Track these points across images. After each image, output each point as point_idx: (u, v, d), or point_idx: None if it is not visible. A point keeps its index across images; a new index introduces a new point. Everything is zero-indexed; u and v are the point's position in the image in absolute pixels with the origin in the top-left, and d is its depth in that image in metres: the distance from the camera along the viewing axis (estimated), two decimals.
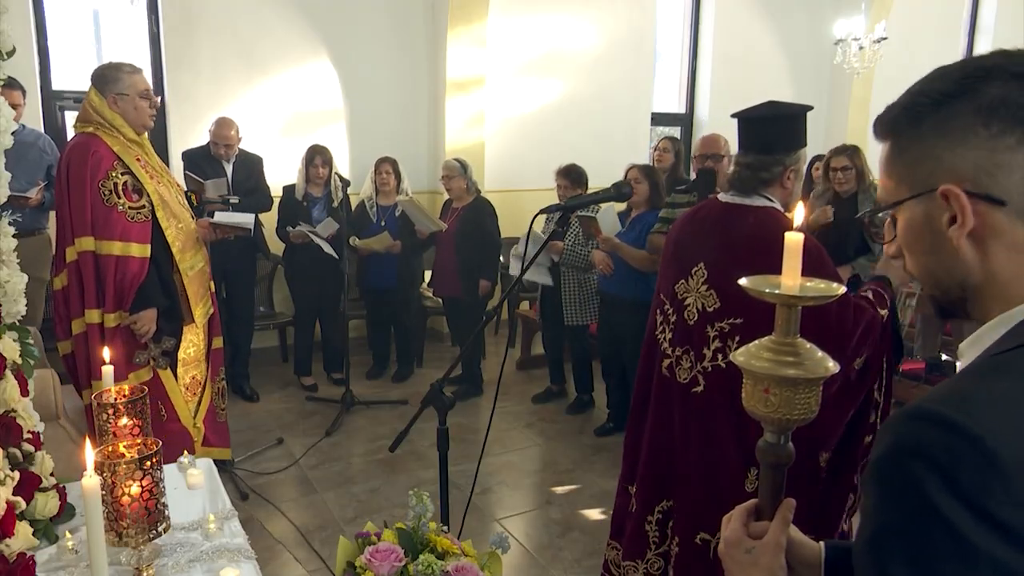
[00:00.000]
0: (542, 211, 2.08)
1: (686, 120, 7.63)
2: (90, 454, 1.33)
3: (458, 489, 2.55)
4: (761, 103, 2.06)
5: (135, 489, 1.40)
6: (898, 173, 0.82)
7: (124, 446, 1.49)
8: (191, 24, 5.21)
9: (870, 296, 2.00)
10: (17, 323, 2.07)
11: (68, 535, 1.66)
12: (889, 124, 0.82)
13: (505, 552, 1.76)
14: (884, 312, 1.97)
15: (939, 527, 0.62)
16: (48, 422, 2.38)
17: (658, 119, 7.36)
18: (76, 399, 3.03)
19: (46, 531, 1.68)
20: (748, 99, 2.24)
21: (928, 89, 0.79)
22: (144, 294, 2.95)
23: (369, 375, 5.33)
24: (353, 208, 5.10)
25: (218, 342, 3.39)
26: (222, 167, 4.61)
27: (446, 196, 5.12)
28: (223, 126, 4.60)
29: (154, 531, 1.45)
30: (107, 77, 2.92)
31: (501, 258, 5.26)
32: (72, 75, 5.07)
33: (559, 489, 3.78)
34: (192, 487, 1.96)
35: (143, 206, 2.94)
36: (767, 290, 0.91)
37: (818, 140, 7.16)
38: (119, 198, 2.88)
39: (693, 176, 4.29)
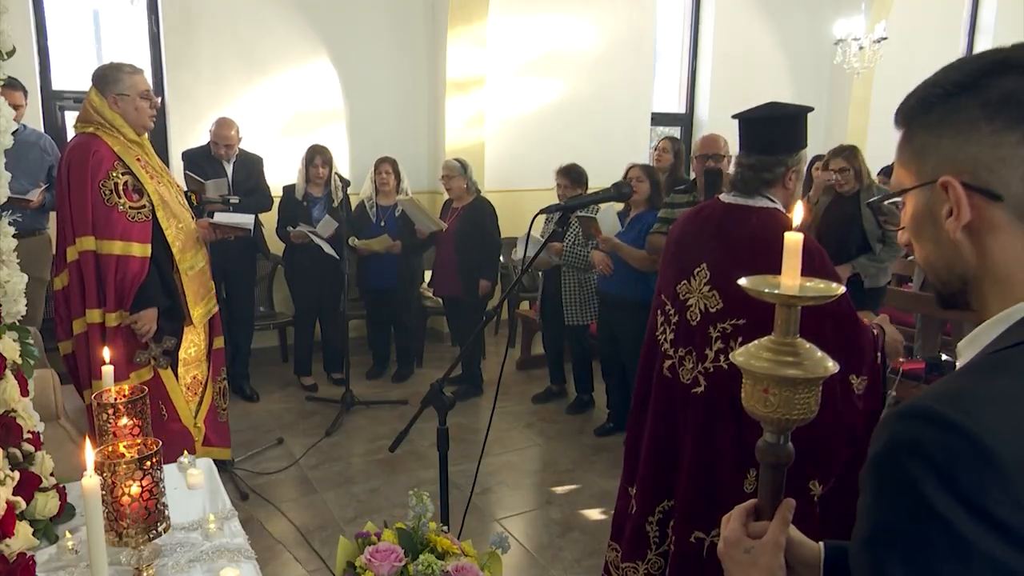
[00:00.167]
0: (542, 211, 2.08)
1: (686, 120, 7.63)
2: (90, 454, 1.33)
3: (458, 489, 2.55)
4: (762, 104, 2.06)
5: (135, 489, 1.41)
6: (907, 161, 0.83)
7: (124, 446, 1.49)
8: (191, 24, 5.21)
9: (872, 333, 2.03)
10: (17, 323, 2.08)
11: (68, 535, 1.66)
12: (905, 112, 0.83)
13: (505, 552, 1.76)
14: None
15: (936, 526, 0.62)
16: (48, 422, 2.38)
17: (658, 119, 7.36)
18: (76, 399, 3.03)
19: (46, 531, 1.68)
20: (748, 99, 2.25)
21: (943, 79, 0.79)
22: (145, 294, 2.95)
23: (369, 375, 5.33)
24: (353, 208, 5.10)
25: (219, 342, 3.40)
26: (222, 167, 4.61)
27: (446, 196, 5.11)
28: (223, 126, 4.60)
29: (154, 531, 1.45)
30: (108, 77, 2.93)
31: (501, 258, 5.26)
32: (72, 75, 5.07)
33: (559, 489, 3.78)
34: (192, 487, 1.96)
35: (143, 206, 2.94)
36: (766, 290, 0.92)
37: (818, 140, 7.16)
38: (120, 198, 2.89)
39: (692, 176, 4.29)
